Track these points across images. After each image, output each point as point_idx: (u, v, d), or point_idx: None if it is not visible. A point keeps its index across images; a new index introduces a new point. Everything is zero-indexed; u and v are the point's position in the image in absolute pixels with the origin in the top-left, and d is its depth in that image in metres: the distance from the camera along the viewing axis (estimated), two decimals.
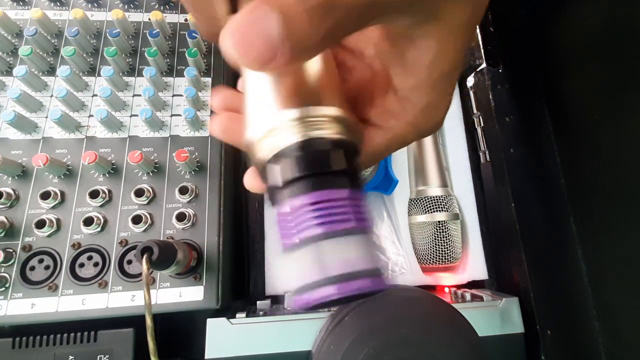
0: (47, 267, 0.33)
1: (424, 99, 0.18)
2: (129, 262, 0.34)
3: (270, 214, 0.44)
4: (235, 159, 0.45)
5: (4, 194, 0.33)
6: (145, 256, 0.27)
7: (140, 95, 0.39)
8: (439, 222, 0.44)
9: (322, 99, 0.15)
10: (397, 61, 0.18)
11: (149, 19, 0.41)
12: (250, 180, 0.20)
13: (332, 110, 0.15)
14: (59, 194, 0.34)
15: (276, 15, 0.12)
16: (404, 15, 0.15)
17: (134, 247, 0.34)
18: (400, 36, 0.17)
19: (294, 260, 0.13)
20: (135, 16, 0.42)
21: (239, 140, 0.16)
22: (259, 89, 0.15)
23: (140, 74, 0.40)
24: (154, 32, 0.39)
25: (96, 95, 0.38)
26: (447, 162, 0.48)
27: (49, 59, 0.39)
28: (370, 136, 0.19)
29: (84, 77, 0.39)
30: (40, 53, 0.38)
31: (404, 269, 0.44)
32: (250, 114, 0.16)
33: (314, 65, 0.16)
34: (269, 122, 0.14)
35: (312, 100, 0.15)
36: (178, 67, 0.41)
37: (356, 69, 0.20)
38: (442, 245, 0.44)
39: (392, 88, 0.18)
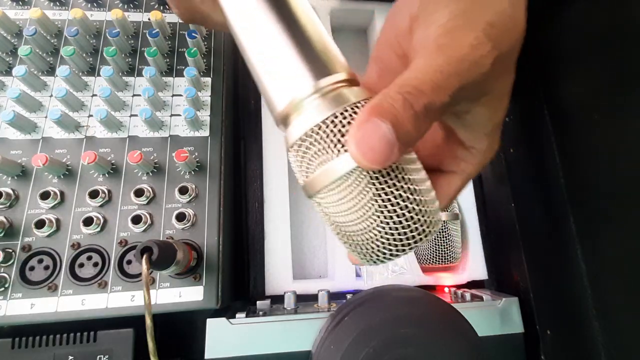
0: (46, 267, 0.33)
1: (484, 144, 0.23)
2: (129, 262, 0.34)
3: (270, 214, 0.44)
4: (235, 159, 0.45)
5: (4, 194, 0.33)
6: (145, 256, 0.27)
7: (139, 95, 0.39)
8: None
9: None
10: (460, 124, 0.22)
11: (149, 19, 0.41)
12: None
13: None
14: (58, 194, 0.34)
15: (387, 124, 0.16)
16: (465, 102, 0.20)
17: (133, 247, 0.34)
18: (460, 111, 0.21)
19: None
20: (135, 16, 0.42)
21: None
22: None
23: (139, 74, 0.40)
24: (153, 32, 0.39)
25: (96, 95, 0.38)
26: None
27: (48, 59, 0.38)
28: (450, 181, 0.24)
29: (83, 77, 0.39)
30: (40, 53, 0.38)
31: (404, 269, 0.44)
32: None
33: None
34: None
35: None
36: (178, 67, 0.41)
37: (430, 134, 0.25)
38: (442, 245, 0.44)
39: (459, 141, 0.23)
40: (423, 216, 0.18)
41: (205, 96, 0.40)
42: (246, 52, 0.19)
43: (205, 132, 0.39)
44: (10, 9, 0.40)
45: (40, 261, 0.33)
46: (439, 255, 0.44)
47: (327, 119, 0.17)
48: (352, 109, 0.17)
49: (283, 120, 0.19)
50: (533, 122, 0.41)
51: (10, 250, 0.32)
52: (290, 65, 0.18)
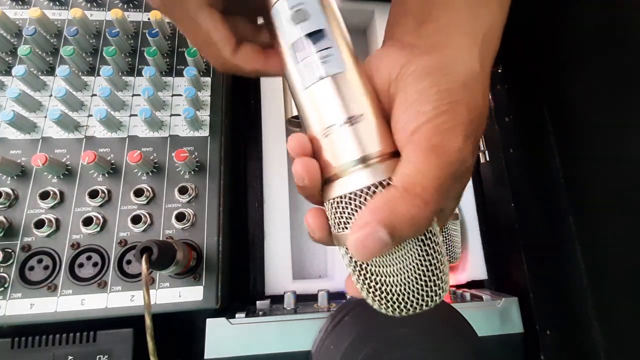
0: (46, 267, 0.33)
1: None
2: (129, 262, 0.34)
3: (270, 214, 0.44)
4: (235, 159, 0.45)
5: (3, 193, 0.33)
6: (144, 256, 0.27)
7: (139, 95, 0.39)
8: None
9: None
10: None
11: (149, 19, 0.41)
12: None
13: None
14: (58, 193, 0.34)
15: (385, 231, 0.18)
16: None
17: (133, 247, 0.34)
18: None
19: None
20: (135, 16, 0.42)
21: (316, 181, 0.21)
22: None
23: (139, 74, 0.40)
24: (153, 31, 0.39)
25: (95, 95, 0.38)
26: None
27: (48, 59, 0.38)
28: None
29: (83, 77, 0.39)
30: (40, 53, 0.38)
31: None
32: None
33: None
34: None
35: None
36: (177, 67, 0.41)
37: None
38: None
39: None
40: (445, 275, 0.20)
41: (205, 96, 0.40)
42: (305, 115, 0.22)
43: (205, 132, 0.39)
44: (10, 9, 0.40)
45: (40, 261, 0.33)
46: None
47: (370, 185, 0.19)
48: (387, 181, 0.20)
49: (329, 177, 0.21)
50: (533, 122, 0.41)
51: (10, 250, 0.32)
52: (348, 136, 0.20)
